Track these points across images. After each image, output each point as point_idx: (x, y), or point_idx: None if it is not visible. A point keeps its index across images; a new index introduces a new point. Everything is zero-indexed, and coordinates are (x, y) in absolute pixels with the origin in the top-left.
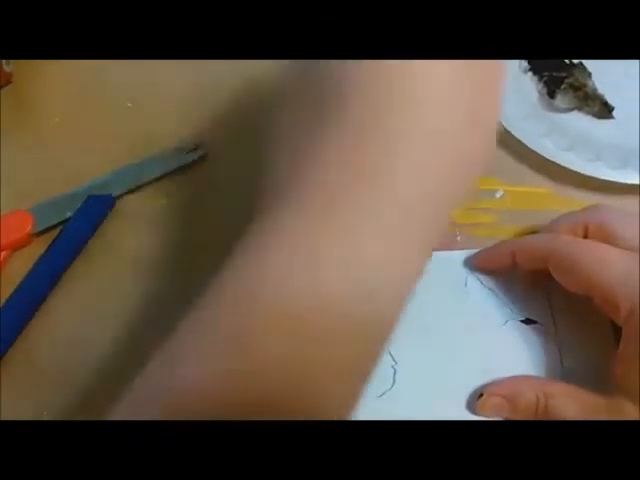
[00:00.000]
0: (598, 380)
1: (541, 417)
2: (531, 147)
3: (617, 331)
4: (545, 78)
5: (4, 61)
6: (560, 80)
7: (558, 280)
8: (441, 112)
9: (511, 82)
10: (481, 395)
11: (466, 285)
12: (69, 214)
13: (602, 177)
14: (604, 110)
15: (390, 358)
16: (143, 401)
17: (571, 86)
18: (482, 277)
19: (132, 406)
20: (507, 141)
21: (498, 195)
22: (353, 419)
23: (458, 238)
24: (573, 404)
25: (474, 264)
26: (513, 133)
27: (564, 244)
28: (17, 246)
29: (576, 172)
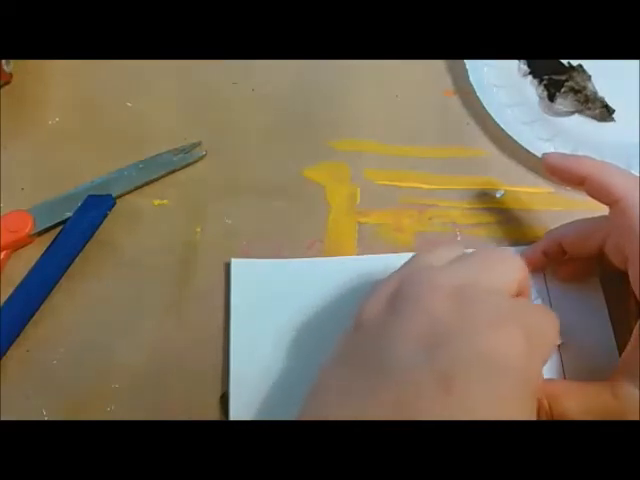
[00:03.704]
0: (598, 378)
1: (545, 417)
2: (532, 152)
3: (618, 331)
4: (545, 82)
5: (4, 61)
6: (560, 83)
7: (593, 197)
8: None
9: (511, 86)
10: None
11: None
12: (69, 214)
13: None
14: (605, 113)
15: None
16: None
17: (571, 89)
18: None
19: None
20: (508, 145)
21: (498, 195)
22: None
23: (458, 238)
24: (575, 400)
25: None
26: (514, 137)
27: (597, 167)
28: (17, 246)
29: None
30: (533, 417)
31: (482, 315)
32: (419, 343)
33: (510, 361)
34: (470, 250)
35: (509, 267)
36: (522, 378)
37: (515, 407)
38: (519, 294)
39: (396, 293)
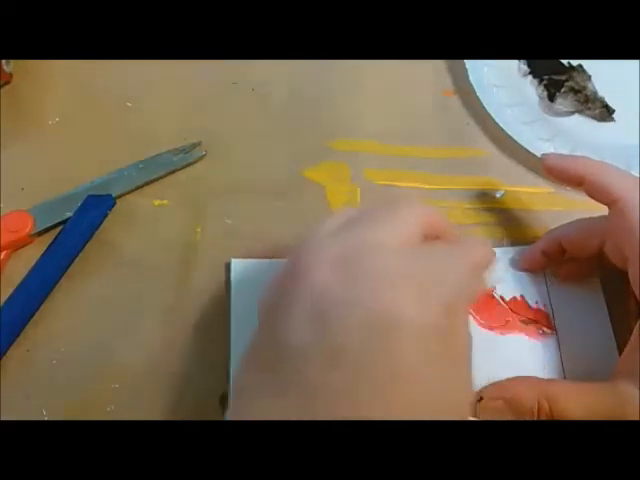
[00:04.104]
0: (598, 378)
1: (544, 417)
2: (532, 152)
3: (618, 331)
4: (545, 82)
5: (4, 61)
6: (560, 83)
7: (591, 197)
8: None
9: (511, 86)
10: (481, 398)
11: None
12: (69, 214)
13: None
14: (605, 113)
15: None
16: None
17: (571, 89)
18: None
19: None
20: (508, 145)
21: (498, 195)
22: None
23: None
24: (575, 400)
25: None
26: (514, 137)
27: (595, 167)
28: (17, 246)
29: None
30: (462, 381)
31: (367, 278)
32: (308, 320)
33: (402, 321)
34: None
35: (403, 216)
36: (420, 337)
37: (429, 371)
38: (431, 237)
39: (286, 272)
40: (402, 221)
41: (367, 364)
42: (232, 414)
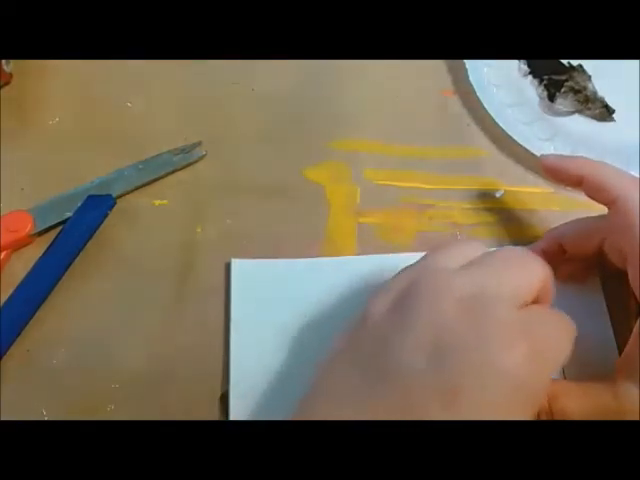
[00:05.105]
0: (598, 378)
1: (545, 417)
2: (532, 152)
3: (618, 331)
4: (545, 82)
5: (4, 61)
6: (560, 83)
7: (591, 197)
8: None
9: (511, 86)
10: None
11: None
12: (69, 214)
13: None
14: (605, 113)
15: None
16: None
17: (571, 89)
18: None
19: None
20: (508, 145)
21: (498, 195)
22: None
23: (458, 238)
24: (575, 399)
25: None
26: (514, 137)
27: (594, 167)
28: (17, 246)
29: None
30: None
31: (491, 327)
32: (425, 349)
33: (515, 375)
34: (489, 249)
35: (528, 273)
36: (527, 391)
37: (517, 417)
38: (538, 300)
39: (406, 293)
40: (526, 280)
41: (478, 409)
42: (304, 410)
